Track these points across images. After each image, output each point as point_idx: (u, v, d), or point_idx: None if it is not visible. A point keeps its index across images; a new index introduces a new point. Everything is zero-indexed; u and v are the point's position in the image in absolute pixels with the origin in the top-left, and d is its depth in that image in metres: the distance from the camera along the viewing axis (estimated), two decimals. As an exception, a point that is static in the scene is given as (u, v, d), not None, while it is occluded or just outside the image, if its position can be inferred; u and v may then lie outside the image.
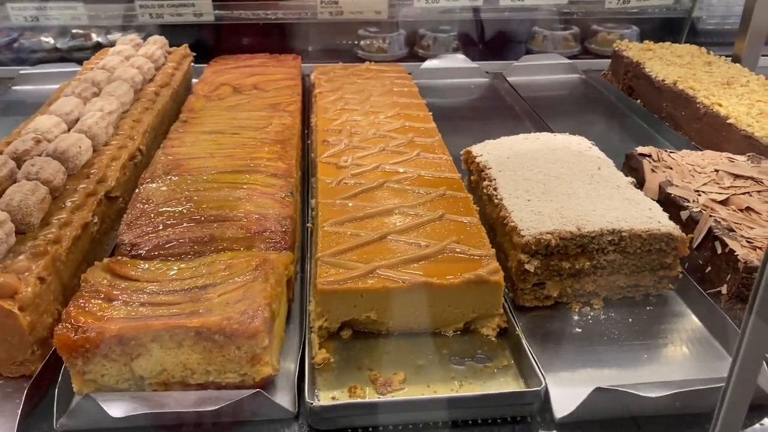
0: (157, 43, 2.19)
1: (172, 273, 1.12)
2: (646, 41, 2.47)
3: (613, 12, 2.59)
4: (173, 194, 1.34)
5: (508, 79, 2.51)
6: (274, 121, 1.75)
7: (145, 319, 0.99)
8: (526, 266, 1.21)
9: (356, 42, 2.87)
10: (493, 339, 1.18)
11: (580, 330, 1.21)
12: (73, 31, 2.96)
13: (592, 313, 1.26)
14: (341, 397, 1.05)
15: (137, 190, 1.38)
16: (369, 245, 1.24)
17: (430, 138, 1.73)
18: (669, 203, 1.39)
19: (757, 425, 1.03)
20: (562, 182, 1.38)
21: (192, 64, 2.40)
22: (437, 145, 1.69)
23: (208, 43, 2.68)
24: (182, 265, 1.14)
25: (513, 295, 1.27)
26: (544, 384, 1.02)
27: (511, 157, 1.50)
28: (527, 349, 1.10)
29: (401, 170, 1.53)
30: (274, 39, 2.78)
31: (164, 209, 1.29)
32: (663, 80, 2.10)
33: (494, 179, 1.42)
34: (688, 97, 1.96)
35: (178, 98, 2.06)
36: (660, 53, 2.34)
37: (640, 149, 1.58)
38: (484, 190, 1.44)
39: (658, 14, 2.74)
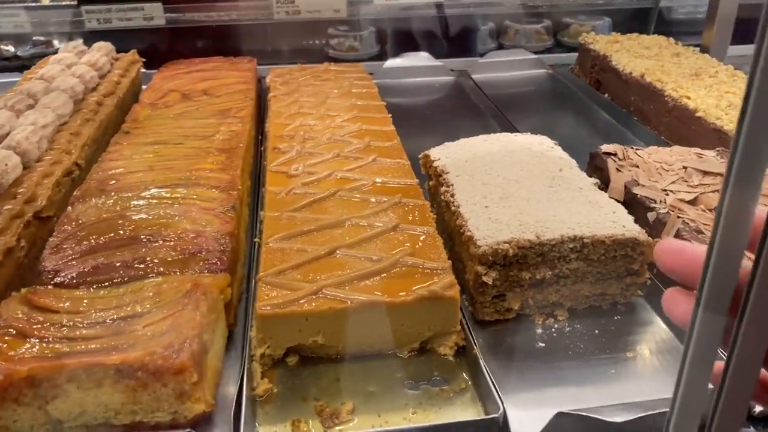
0: (101, 50, 2.08)
1: (96, 303, 1.02)
2: (614, 33, 2.41)
3: (579, 4, 2.52)
4: (105, 213, 1.25)
5: (472, 76, 2.43)
6: (222, 129, 1.66)
7: (60, 357, 0.90)
8: (484, 278, 1.13)
9: (326, 41, 2.80)
10: (451, 358, 1.10)
11: (543, 344, 1.14)
12: (34, 38, 2.84)
13: (556, 326, 1.18)
14: (283, 432, 0.97)
15: (66, 210, 1.28)
16: (316, 262, 1.15)
17: (388, 141, 1.65)
18: (635, 204, 1.32)
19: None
20: (521, 186, 1.30)
21: (142, 70, 2.30)
22: (395, 148, 1.61)
23: (162, 48, 2.57)
24: (108, 294, 1.04)
25: (472, 308, 1.19)
26: (501, 410, 0.94)
27: (470, 161, 1.42)
28: (485, 370, 1.02)
29: (355, 177, 1.44)
30: (234, 42, 2.68)
31: (93, 231, 1.19)
32: (630, 73, 2.03)
33: (452, 185, 1.34)
34: (655, 90, 1.90)
35: (125, 107, 1.95)
36: (627, 45, 2.28)
37: (605, 147, 1.51)
38: (442, 197, 1.36)
39: (627, 4, 2.68)
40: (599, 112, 2.15)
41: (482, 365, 1.03)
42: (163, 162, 1.47)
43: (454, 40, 2.74)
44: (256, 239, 1.37)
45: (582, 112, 2.18)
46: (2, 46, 2.77)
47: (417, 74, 2.47)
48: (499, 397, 0.96)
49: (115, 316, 0.98)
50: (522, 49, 2.61)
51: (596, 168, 1.50)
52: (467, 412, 0.99)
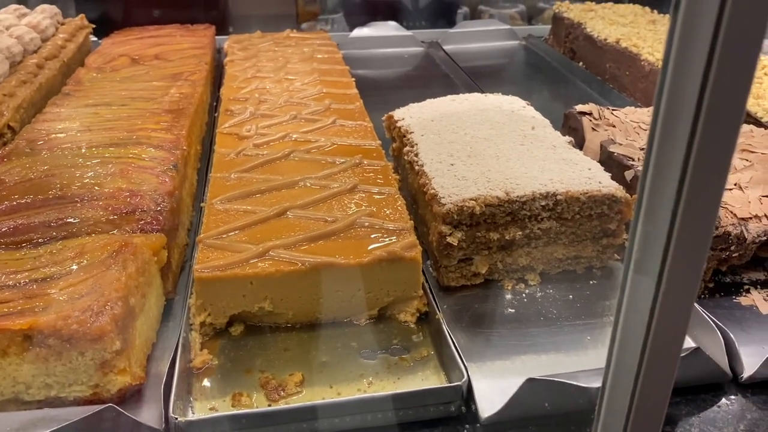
0: (45, 12, 1.94)
1: (8, 265, 0.90)
2: (588, 2, 2.32)
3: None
4: (31, 173, 1.12)
5: (444, 47, 2.33)
6: (172, 91, 1.54)
7: (-42, 323, 0.78)
8: (449, 239, 1.03)
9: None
10: (412, 326, 1.00)
11: (513, 311, 1.04)
12: None
13: (527, 291, 1.09)
14: (222, 407, 0.86)
15: (-12, 170, 1.15)
16: (264, 223, 1.05)
17: (350, 104, 1.54)
18: (612, 163, 1.23)
19: (714, 407, 0.88)
20: (490, 144, 1.20)
21: (93, 38, 2.16)
22: (357, 111, 1.50)
23: (117, 17, 2.43)
24: (23, 255, 0.92)
25: (437, 274, 1.09)
26: (466, 377, 0.85)
27: (436, 120, 1.32)
28: (448, 336, 0.92)
29: (313, 139, 1.34)
30: (194, 11, 2.55)
31: (15, 190, 1.07)
32: (605, 39, 1.95)
33: (416, 144, 1.24)
34: (631, 55, 1.82)
35: (69, 73, 1.81)
36: (602, 13, 2.20)
37: (580, 107, 1.42)
38: (405, 157, 1.25)
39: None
40: (574, 81, 2.07)
41: (445, 330, 0.93)
42: (103, 122, 1.35)
43: (425, 11, 2.64)
44: (203, 204, 1.25)
45: (556, 82, 2.09)
46: None
47: (385, 44, 2.36)
48: (464, 365, 0.86)
49: (28, 279, 0.86)
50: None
51: (570, 128, 1.41)
52: (428, 381, 0.90)
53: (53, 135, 1.28)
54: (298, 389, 0.88)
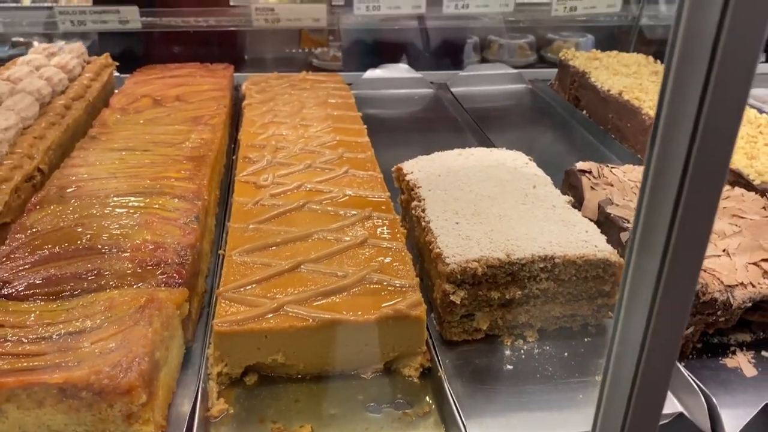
0: (72, 52, 2.03)
1: (44, 317, 0.97)
2: (593, 50, 2.40)
3: (560, 20, 2.52)
4: (62, 222, 1.20)
5: (452, 89, 2.42)
6: (193, 136, 1.62)
7: (3, 375, 0.85)
8: (452, 297, 1.09)
9: (309, 50, 2.82)
10: (416, 380, 1.07)
11: (511, 367, 1.11)
12: (13, 39, 2.78)
13: (525, 347, 1.15)
14: (237, 456, 0.92)
15: (22, 218, 1.23)
16: (279, 277, 1.12)
17: (361, 153, 1.62)
18: (609, 224, 1.29)
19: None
20: (494, 202, 1.27)
21: (116, 74, 2.25)
22: (368, 160, 1.58)
23: (138, 52, 2.53)
24: (57, 307, 0.99)
25: (439, 328, 1.16)
26: (465, 435, 0.91)
27: (443, 175, 1.39)
28: (449, 393, 0.98)
29: (326, 189, 1.41)
30: (212, 48, 2.65)
31: (48, 240, 1.14)
32: (608, 90, 2.02)
33: (423, 199, 1.31)
34: (633, 108, 1.89)
35: (95, 112, 1.90)
36: (606, 62, 2.27)
37: (580, 165, 1.49)
38: (413, 212, 1.32)
39: (606, 22, 2.68)
40: (577, 128, 2.14)
41: (446, 388, 1.00)
42: (128, 169, 1.43)
43: (435, 52, 2.73)
44: (221, 251, 1.33)
45: (560, 128, 2.17)
46: None
47: (396, 86, 2.44)
48: (462, 422, 0.93)
49: (63, 332, 0.93)
50: (504, 63, 2.60)
51: (571, 185, 1.48)
52: (429, 437, 0.96)
53: (81, 182, 1.35)
54: (308, 441, 0.95)
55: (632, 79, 2.09)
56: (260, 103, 1.96)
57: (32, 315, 0.97)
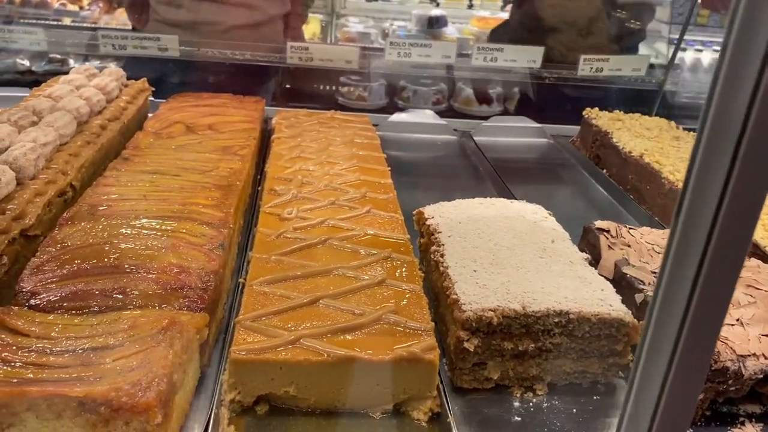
0: (112, 75, 2.10)
1: (68, 330, 1.00)
2: (616, 111, 2.44)
3: (585, 79, 2.57)
4: (92, 239, 1.23)
5: (475, 138, 2.46)
6: (222, 165, 1.66)
7: (22, 383, 0.87)
8: (466, 344, 1.11)
9: (336, 89, 2.89)
10: (424, 424, 1.08)
11: (519, 419, 1.11)
12: (50, 55, 2.88)
13: (534, 400, 1.16)
14: (243, 485, 0.93)
15: (53, 232, 1.26)
16: (297, 309, 1.14)
17: (384, 194, 1.65)
18: (624, 284, 1.31)
19: None
20: (512, 254, 1.30)
21: (151, 99, 2.32)
22: (390, 202, 1.61)
23: (173, 79, 2.60)
24: (82, 322, 1.02)
25: (451, 374, 1.17)
26: (470, 484, 0.91)
27: (463, 222, 1.42)
28: (457, 441, 0.99)
29: (348, 227, 1.44)
30: (245, 80, 2.73)
31: (77, 255, 1.18)
32: (630, 152, 2.06)
33: (443, 245, 1.34)
34: (653, 171, 1.92)
35: (128, 134, 1.95)
36: (629, 124, 2.31)
37: (599, 224, 1.51)
38: (432, 256, 1.35)
39: (630, 84, 2.73)
40: (596, 186, 2.17)
41: (455, 434, 1.00)
42: (158, 192, 1.47)
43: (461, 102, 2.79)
44: (242, 279, 1.35)
45: (579, 185, 2.20)
46: (18, 60, 2.82)
47: (420, 130, 2.50)
48: (469, 471, 0.93)
49: (86, 346, 0.95)
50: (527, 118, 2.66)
51: (588, 243, 1.50)
52: (435, 482, 0.96)
53: (112, 201, 1.39)
54: (314, 475, 0.96)
55: (654, 143, 2.12)
56: (289, 137, 2.01)
57: (57, 327, 1.00)
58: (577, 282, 1.22)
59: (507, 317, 1.11)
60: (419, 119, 2.52)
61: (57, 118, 1.69)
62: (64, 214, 1.33)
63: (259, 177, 1.91)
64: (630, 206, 1.97)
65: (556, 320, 1.13)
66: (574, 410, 1.14)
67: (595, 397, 1.18)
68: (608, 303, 1.17)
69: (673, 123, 2.37)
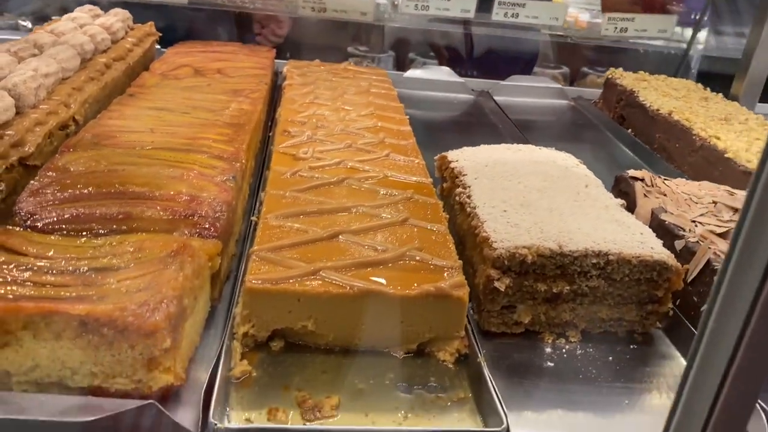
0: (118, 15, 2.01)
1: (69, 251, 0.92)
2: (640, 72, 2.35)
3: (609, 39, 2.47)
4: (95, 165, 1.15)
5: (494, 98, 2.36)
6: (232, 106, 1.57)
7: (18, 299, 0.79)
8: (496, 284, 1.03)
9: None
10: (450, 366, 1.00)
11: (552, 365, 1.04)
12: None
13: (567, 347, 1.08)
14: (258, 419, 0.86)
15: (54, 158, 1.18)
16: (315, 243, 1.06)
17: (403, 140, 1.56)
18: (662, 232, 1.23)
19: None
20: (544, 196, 1.21)
21: (157, 45, 2.22)
22: (410, 147, 1.53)
23: (181, 28, 2.50)
24: (84, 243, 0.94)
25: (477, 317, 1.09)
26: (505, 424, 0.84)
27: (489, 166, 1.34)
28: (489, 381, 0.91)
29: (366, 169, 1.36)
30: (254, 31, 2.63)
31: (79, 180, 1.09)
32: (657, 110, 1.97)
33: (468, 186, 1.25)
34: (683, 128, 1.83)
35: (134, 76, 1.86)
36: (655, 84, 2.22)
37: (632, 172, 1.43)
38: (457, 198, 1.27)
39: (654, 47, 2.63)
40: (621, 146, 2.08)
41: (486, 375, 0.93)
42: (165, 127, 1.38)
43: (476, 60, 2.69)
44: (254, 218, 1.27)
45: (603, 145, 2.11)
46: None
47: (437, 88, 2.40)
48: (504, 413, 0.86)
49: (88, 267, 0.87)
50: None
51: (621, 192, 1.42)
52: (465, 423, 0.89)
53: (117, 132, 1.31)
54: (334, 412, 0.88)
55: (682, 102, 2.03)
56: (301, 85, 1.91)
57: (58, 248, 0.92)
58: (615, 225, 1.14)
59: (542, 256, 1.03)
60: (435, 76, 2.42)
61: (60, 51, 1.59)
62: (67, 141, 1.25)
63: (270, 123, 1.82)
64: (658, 165, 1.88)
65: (594, 261, 1.05)
66: (610, 358, 1.06)
67: (632, 347, 1.10)
68: (649, 246, 1.09)
69: (699, 85, 2.28)
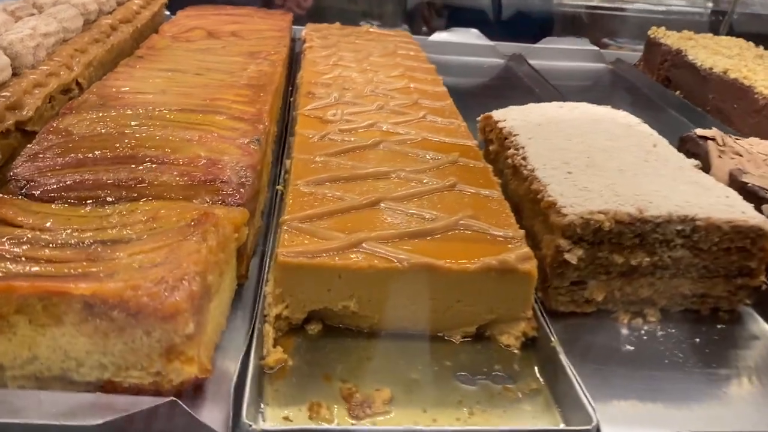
0: (123, -24, 1.85)
1: (72, 221, 0.78)
2: (685, 31, 2.17)
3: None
4: (101, 128, 1.01)
5: (528, 61, 2.20)
6: (251, 68, 1.43)
7: (8, 277, 0.66)
8: (566, 256, 0.89)
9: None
10: (516, 351, 0.86)
11: (631, 348, 0.89)
12: None
13: (645, 327, 0.94)
14: (298, 418, 0.72)
15: (55, 119, 1.04)
16: (354, 212, 0.92)
17: (439, 101, 1.42)
18: (744, 195, 1.07)
19: None
20: (610, 156, 1.07)
21: (166, 11, 2.08)
22: (448, 109, 1.38)
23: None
24: (89, 213, 0.80)
25: (542, 295, 0.95)
26: (595, 421, 0.70)
27: (543, 125, 1.19)
28: (568, 369, 0.77)
29: (403, 131, 1.21)
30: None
31: (83, 144, 0.95)
32: (710, 69, 1.80)
33: (522, 147, 1.11)
34: (742, 88, 1.66)
35: (141, 39, 1.72)
36: (703, 42, 2.05)
37: (700, 131, 1.28)
38: (509, 161, 1.12)
39: (691, 7, 2.45)
40: (668, 110, 1.92)
41: (564, 363, 0.79)
42: (178, 88, 1.24)
43: (506, 22, 2.52)
44: (279, 186, 1.13)
45: (649, 109, 1.94)
46: None
47: (465, 52, 2.24)
48: (591, 405, 0.72)
49: (94, 239, 0.74)
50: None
51: (690, 153, 1.26)
52: (540, 419, 0.75)
53: (126, 94, 1.17)
54: (387, 408, 0.75)
55: (735, 60, 1.86)
56: (322, 47, 1.76)
57: (58, 218, 0.78)
58: (696, 187, 0.99)
59: (620, 222, 0.89)
60: (463, 39, 2.26)
61: (61, 11, 1.45)
62: (69, 103, 1.11)
63: (290, 88, 1.67)
64: (712, 127, 1.71)
65: (679, 228, 0.90)
66: (697, 340, 0.92)
67: (718, 326, 0.96)
68: (739, 210, 0.94)
69: (751, 43, 2.10)
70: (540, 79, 2.01)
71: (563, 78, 2.16)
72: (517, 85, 2.05)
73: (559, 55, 2.27)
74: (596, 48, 2.31)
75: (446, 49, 2.22)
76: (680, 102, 1.90)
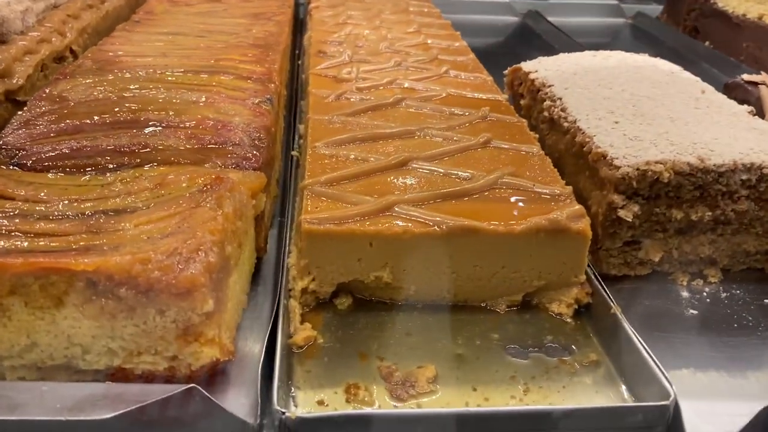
0: (116, -60, 1.74)
1: (70, 191, 0.69)
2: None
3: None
4: (98, 93, 0.92)
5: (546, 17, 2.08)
6: (256, 29, 1.33)
7: (1, 255, 0.57)
8: (621, 213, 0.80)
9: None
10: (569, 320, 0.77)
11: (695, 312, 0.81)
12: None
13: (707, 289, 0.85)
14: (334, 401, 0.64)
15: (47, 85, 0.95)
16: (381, 173, 0.83)
17: (460, 56, 1.32)
18: (805, 142, 0.98)
19: None
20: (658, 104, 0.97)
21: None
22: (471, 63, 1.29)
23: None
24: (89, 181, 0.72)
25: (591, 257, 0.86)
26: (673, 395, 0.62)
27: (579, 74, 1.09)
28: (635, 339, 0.69)
29: (425, 88, 1.12)
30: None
31: (79, 109, 0.87)
32: (744, 15, 1.69)
33: (559, 98, 1.01)
34: (780, 33, 1.55)
35: (137, 7, 1.61)
36: (732, -11, 1.92)
37: (747, 77, 1.18)
38: (544, 113, 1.03)
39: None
40: (699, 62, 1.80)
41: (629, 330, 0.70)
42: (180, 50, 1.15)
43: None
44: (294, 152, 1.04)
45: (678, 62, 1.83)
46: None
47: (477, 10, 2.13)
48: (667, 379, 0.63)
49: (95, 209, 0.65)
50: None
51: (738, 101, 1.16)
52: (603, 394, 0.67)
53: (123, 57, 1.08)
54: (432, 387, 0.66)
55: (769, 6, 1.75)
56: (329, 6, 1.66)
57: (54, 188, 0.70)
58: (756, 134, 0.90)
59: (680, 174, 0.79)
60: (476, -4, 2.15)
61: (50, -26, 1.35)
62: (61, 69, 1.02)
63: (297, 52, 1.57)
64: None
65: (745, 177, 0.81)
66: (766, 301, 0.83)
67: (786, 285, 0.87)
68: (809, 156, 0.84)
69: (782, -11, 1.98)
70: (561, 35, 1.90)
71: (582, 35, 2.04)
72: (535, 42, 1.95)
73: (574, 10, 2.15)
74: (615, 1, 2.19)
75: (457, 7, 2.11)
76: (711, 53, 1.79)
